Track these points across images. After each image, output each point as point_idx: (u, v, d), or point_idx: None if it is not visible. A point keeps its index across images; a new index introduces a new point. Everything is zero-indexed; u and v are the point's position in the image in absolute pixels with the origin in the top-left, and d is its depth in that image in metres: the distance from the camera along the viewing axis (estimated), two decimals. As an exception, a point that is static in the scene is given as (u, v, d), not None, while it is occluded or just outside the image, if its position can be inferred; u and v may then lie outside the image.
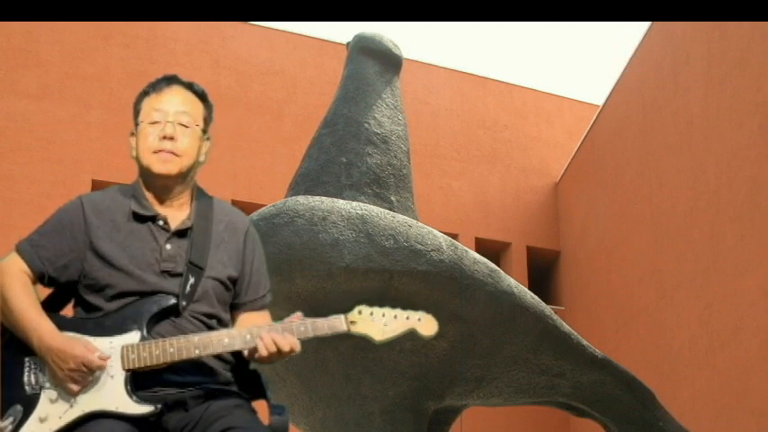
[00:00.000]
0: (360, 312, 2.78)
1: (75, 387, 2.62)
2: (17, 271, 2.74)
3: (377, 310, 2.78)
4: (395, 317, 2.78)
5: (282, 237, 5.31)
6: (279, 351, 2.69)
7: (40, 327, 2.66)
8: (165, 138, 2.81)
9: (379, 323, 2.77)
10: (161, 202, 2.86)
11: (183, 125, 2.84)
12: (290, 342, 2.70)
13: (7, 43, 16.90)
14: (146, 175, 2.85)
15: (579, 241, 19.87)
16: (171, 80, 2.91)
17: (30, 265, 2.75)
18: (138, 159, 2.85)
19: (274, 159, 17.99)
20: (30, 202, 15.80)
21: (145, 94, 2.91)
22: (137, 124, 2.88)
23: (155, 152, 2.81)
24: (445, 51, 42.37)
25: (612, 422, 6.00)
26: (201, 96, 2.91)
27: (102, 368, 2.63)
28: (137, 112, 2.90)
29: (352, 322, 2.77)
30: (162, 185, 2.84)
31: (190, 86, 2.91)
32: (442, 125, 20.31)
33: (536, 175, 21.04)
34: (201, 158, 2.89)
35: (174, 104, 2.86)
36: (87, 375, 2.62)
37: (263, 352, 2.69)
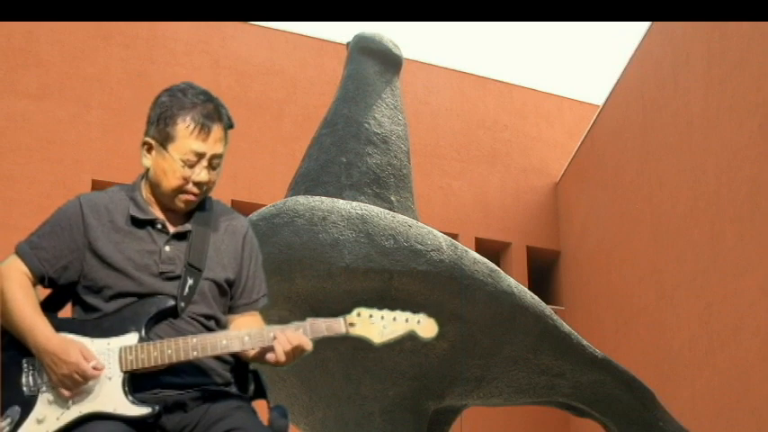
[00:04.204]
0: (359, 314, 2.76)
1: (67, 392, 2.62)
2: (17, 273, 2.73)
3: (376, 313, 2.76)
4: (394, 319, 2.77)
5: (282, 237, 5.30)
6: (292, 349, 2.67)
7: (35, 329, 2.65)
8: (197, 183, 2.79)
9: (378, 325, 2.76)
10: (161, 205, 2.85)
11: (213, 167, 2.81)
12: (302, 339, 2.69)
13: (7, 43, 16.90)
14: (160, 195, 2.82)
15: (579, 241, 19.87)
16: (212, 115, 2.80)
17: (29, 266, 2.75)
18: (156, 181, 2.81)
19: (274, 159, 17.99)
20: (30, 202, 15.80)
21: (181, 120, 2.78)
22: (163, 145, 2.78)
23: (182, 192, 2.79)
24: (445, 51, 42.39)
25: (612, 422, 6.00)
26: (229, 125, 2.86)
27: (95, 378, 2.62)
28: (167, 135, 2.78)
29: (350, 324, 2.75)
30: (173, 210, 2.84)
31: (222, 119, 2.83)
32: (442, 125, 20.31)
33: (536, 175, 21.04)
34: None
35: (213, 147, 2.80)
36: (80, 383, 2.62)
37: (280, 354, 2.68)
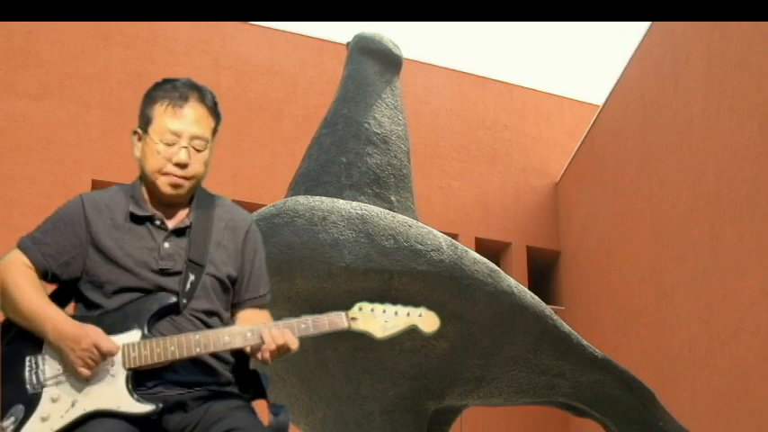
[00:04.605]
0: (360, 309, 2.78)
1: (85, 371, 2.61)
2: (21, 266, 2.74)
3: (377, 307, 2.78)
4: (395, 313, 2.78)
5: (282, 237, 5.31)
6: (277, 347, 2.69)
7: (54, 315, 2.67)
8: (178, 164, 2.79)
9: (379, 320, 2.77)
10: (161, 203, 2.85)
11: (197, 149, 2.81)
12: (287, 338, 2.70)
13: (7, 43, 16.90)
14: (150, 185, 2.84)
15: (579, 241, 19.87)
16: (186, 92, 2.82)
17: (33, 261, 2.75)
18: (143, 169, 2.83)
19: (274, 159, 17.99)
20: (30, 202, 15.80)
21: (159, 100, 2.82)
22: (145, 130, 2.82)
23: (164, 174, 2.79)
24: (445, 51, 42.40)
25: (612, 422, 6.00)
26: (214, 110, 2.86)
27: (111, 354, 2.63)
28: (147, 118, 2.82)
29: (352, 319, 2.77)
30: (166, 201, 2.85)
31: (203, 99, 2.84)
32: (442, 125, 20.31)
33: (536, 175, 21.04)
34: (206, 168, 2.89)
35: (190, 126, 2.80)
36: (98, 359, 2.62)
37: (265, 354, 2.68)
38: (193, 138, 2.80)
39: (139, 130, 2.84)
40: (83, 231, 2.78)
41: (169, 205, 2.85)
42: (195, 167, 2.81)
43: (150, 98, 2.84)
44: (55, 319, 2.66)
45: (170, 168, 2.79)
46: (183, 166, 2.79)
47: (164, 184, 2.80)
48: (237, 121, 17.75)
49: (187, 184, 2.81)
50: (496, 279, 5.51)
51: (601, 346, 6.73)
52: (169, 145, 2.79)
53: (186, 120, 2.80)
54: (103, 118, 17.14)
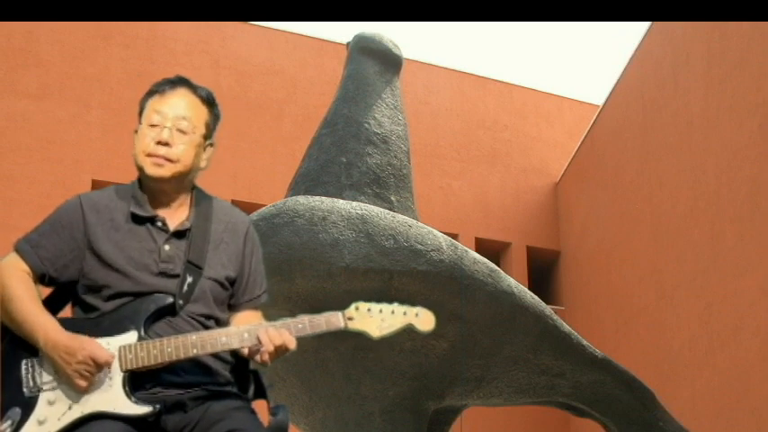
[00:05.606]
0: (357, 308, 2.78)
1: (83, 383, 2.60)
2: (18, 271, 2.73)
3: (374, 306, 2.78)
4: (392, 312, 2.78)
5: (282, 237, 5.31)
6: (275, 348, 2.69)
7: (46, 324, 2.66)
8: (159, 143, 2.80)
9: (375, 319, 2.77)
10: (159, 203, 2.85)
11: (181, 131, 2.81)
12: (284, 338, 2.70)
13: (7, 43, 16.90)
14: (141, 175, 2.85)
15: (579, 241, 19.86)
16: (177, 82, 2.87)
17: (30, 265, 2.74)
18: (134, 159, 2.85)
19: (274, 159, 17.99)
20: (30, 202, 15.80)
21: (151, 93, 2.88)
22: (139, 121, 2.87)
23: (148, 155, 2.80)
24: (445, 51, 42.39)
25: (612, 422, 6.00)
26: (207, 101, 2.88)
27: (108, 364, 2.62)
28: (141, 111, 2.88)
29: (349, 318, 2.77)
30: (156, 188, 2.84)
31: (195, 90, 2.88)
32: (442, 125, 20.31)
33: (536, 175, 21.04)
34: (202, 164, 2.88)
35: (176, 108, 2.82)
36: (94, 371, 2.61)
37: (264, 356, 2.68)
38: (178, 118, 2.82)
39: (137, 127, 2.87)
40: (80, 235, 2.77)
41: (161, 195, 2.83)
42: (179, 149, 2.81)
43: (146, 95, 2.89)
44: (47, 329, 2.64)
45: (152, 148, 2.80)
46: (163, 143, 2.79)
47: (148, 164, 2.80)
48: (237, 121, 17.75)
49: (169, 165, 2.80)
50: (496, 279, 5.51)
51: (601, 346, 6.73)
52: (154, 126, 2.81)
53: (172, 102, 2.84)
54: (103, 118, 17.13)
